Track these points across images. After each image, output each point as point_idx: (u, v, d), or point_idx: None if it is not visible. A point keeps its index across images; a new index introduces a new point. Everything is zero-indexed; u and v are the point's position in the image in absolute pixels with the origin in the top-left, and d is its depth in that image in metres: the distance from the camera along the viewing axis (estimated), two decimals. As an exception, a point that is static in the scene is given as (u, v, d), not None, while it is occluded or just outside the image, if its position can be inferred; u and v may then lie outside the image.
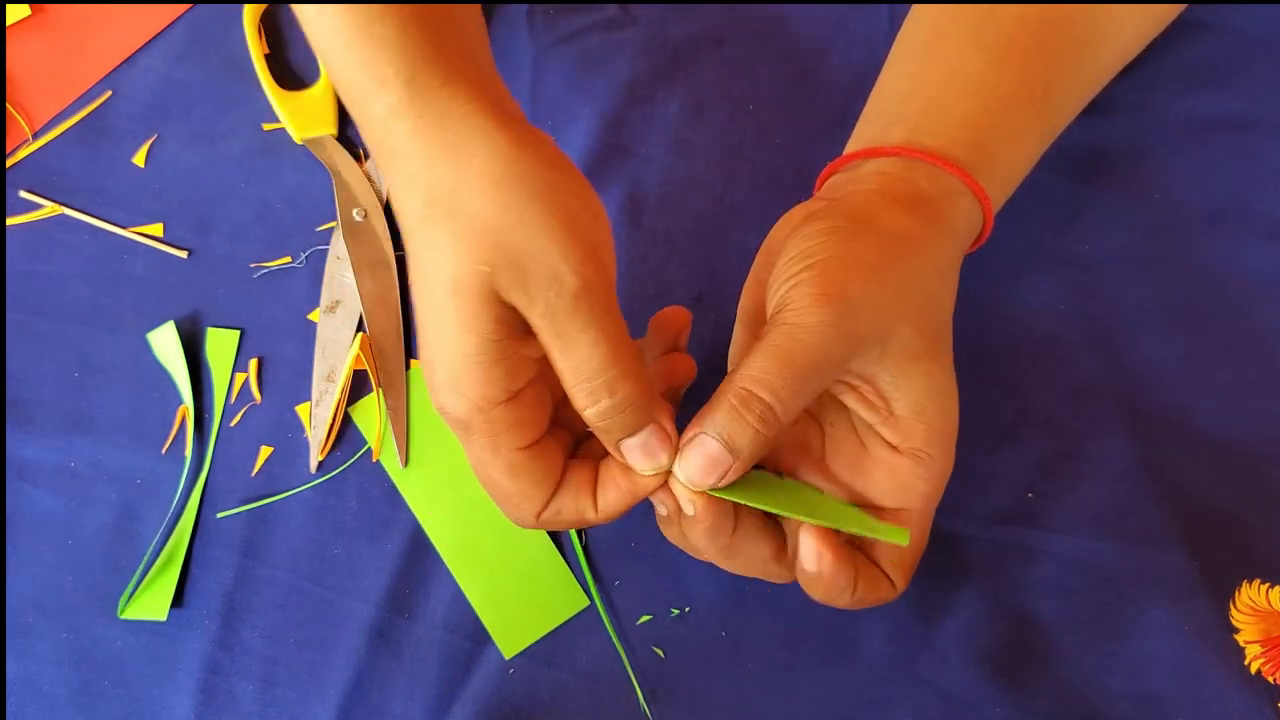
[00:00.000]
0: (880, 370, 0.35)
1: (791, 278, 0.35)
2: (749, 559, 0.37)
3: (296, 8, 0.36)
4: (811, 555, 0.35)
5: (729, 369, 0.42)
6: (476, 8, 0.39)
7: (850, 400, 0.37)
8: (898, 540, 0.35)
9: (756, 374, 0.34)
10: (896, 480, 0.37)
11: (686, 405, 0.45)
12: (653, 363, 0.40)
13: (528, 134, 0.34)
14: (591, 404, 0.33)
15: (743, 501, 0.35)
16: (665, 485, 0.36)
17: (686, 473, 0.35)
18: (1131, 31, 0.44)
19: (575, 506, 0.36)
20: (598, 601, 0.43)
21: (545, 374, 0.35)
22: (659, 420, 0.35)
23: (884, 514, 0.37)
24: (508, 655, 0.43)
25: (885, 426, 0.36)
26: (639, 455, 0.35)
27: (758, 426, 0.34)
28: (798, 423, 0.39)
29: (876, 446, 0.37)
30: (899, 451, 0.36)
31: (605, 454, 0.37)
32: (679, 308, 0.41)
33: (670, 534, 0.38)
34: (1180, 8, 0.45)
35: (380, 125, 0.33)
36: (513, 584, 0.43)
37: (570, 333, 0.33)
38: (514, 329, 0.33)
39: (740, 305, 0.41)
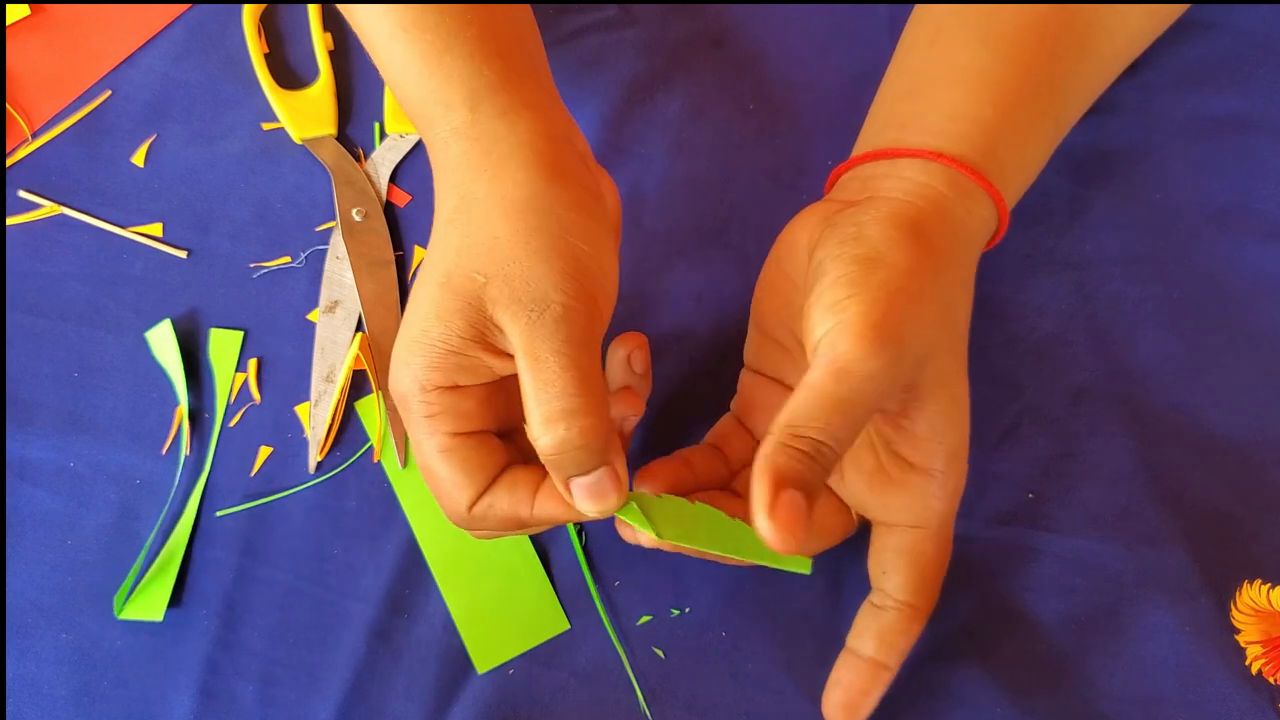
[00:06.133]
0: (910, 396, 0.36)
1: (835, 305, 0.34)
2: None
3: (368, 40, 0.39)
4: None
5: (745, 364, 0.42)
6: (535, 29, 0.42)
7: (875, 419, 0.37)
8: (800, 570, 0.37)
9: (807, 417, 0.33)
10: (912, 497, 0.37)
11: (686, 412, 0.45)
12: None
13: (568, 175, 0.36)
14: (548, 433, 0.33)
15: (667, 539, 0.36)
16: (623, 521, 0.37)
17: (782, 523, 0.32)
18: (1135, 27, 0.43)
19: (510, 503, 0.36)
20: (597, 601, 0.43)
21: (508, 390, 0.36)
22: (612, 462, 0.34)
23: (902, 532, 0.38)
24: (481, 670, 0.42)
25: (905, 445, 0.37)
26: (587, 496, 0.34)
27: (823, 464, 0.33)
28: None
29: (892, 463, 0.37)
30: (914, 469, 0.37)
31: None
32: (634, 333, 0.39)
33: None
34: (1184, 6, 0.45)
35: (441, 143, 0.37)
36: (495, 598, 0.43)
37: (543, 354, 0.33)
38: (483, 339, 0.34)
39: (754, 307, 0.42)
